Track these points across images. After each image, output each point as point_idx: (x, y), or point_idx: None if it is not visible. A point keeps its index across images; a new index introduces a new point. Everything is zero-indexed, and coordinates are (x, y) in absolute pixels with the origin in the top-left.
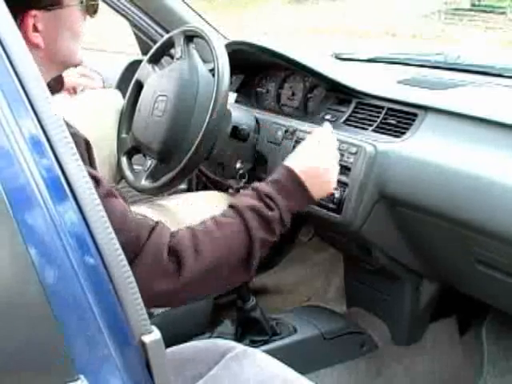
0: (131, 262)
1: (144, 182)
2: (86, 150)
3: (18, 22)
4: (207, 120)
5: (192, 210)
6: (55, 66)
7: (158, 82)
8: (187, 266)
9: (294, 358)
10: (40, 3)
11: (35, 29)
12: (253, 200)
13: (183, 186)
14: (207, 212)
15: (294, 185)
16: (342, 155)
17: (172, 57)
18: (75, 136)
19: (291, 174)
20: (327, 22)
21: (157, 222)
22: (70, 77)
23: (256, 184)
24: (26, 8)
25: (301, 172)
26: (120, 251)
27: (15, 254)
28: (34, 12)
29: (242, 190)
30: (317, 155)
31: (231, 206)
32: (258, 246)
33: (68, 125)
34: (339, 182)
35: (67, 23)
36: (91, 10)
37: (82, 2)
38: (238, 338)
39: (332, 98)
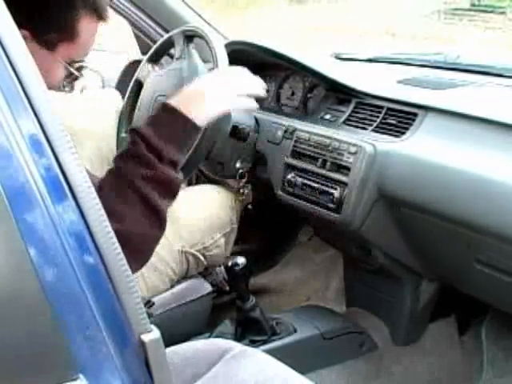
0: None
1: None
2: None
3: None
4: None
5: (188, 207)
6: None
7: (157, 82)
8: None
9: (294, 357)
10: (39, 33)
11: None
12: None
13: (183, 186)
14: (203, 207)
15: (164, 112)
16: (341, 155)
17: (172, 57)
18: None
19: (162, 105)
20: (328, 22)
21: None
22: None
23: (136, 138)
24: (23, 26)
25: (174, 99)
26: (119, 250)
27: (14, 253)
28: (25, 33)
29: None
30: (200, 84)
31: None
32: (144, 186)
33: None
34: (339, 181)
35: (43, 68)
36: (71, 76)
37: (69, 64)
38: (238, 337)
39: (332, 97)
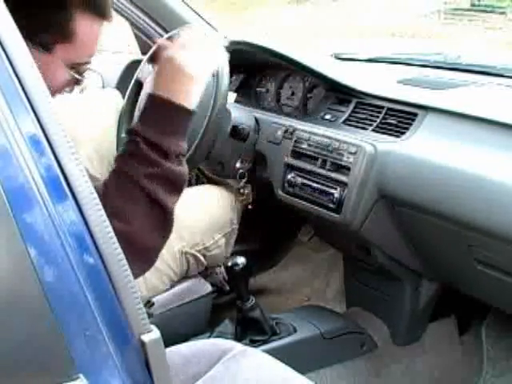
0: None
1: None
2: None
3: None
4: (207, 120)
5: (188, 207)
6: None
7: None
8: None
9: (294, 357)
10: (32, 34)
11: None
12: (121, 150)
13: None
14: (203, 207)
15: (151, 104)
16: (341, 155)
17: None
18: None
19: (146, 96)
20: (327, 22)
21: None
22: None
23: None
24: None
25: (153, 86)
26: (119, 250)
27: (14, 253)
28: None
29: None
30: (162, 61)
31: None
32: (150, 184)
33: None
34: (339, 181)
35: (45, 72)
36: (76, 80)
37: (71, 68)
38: (238, 337)
39: (332, 97)
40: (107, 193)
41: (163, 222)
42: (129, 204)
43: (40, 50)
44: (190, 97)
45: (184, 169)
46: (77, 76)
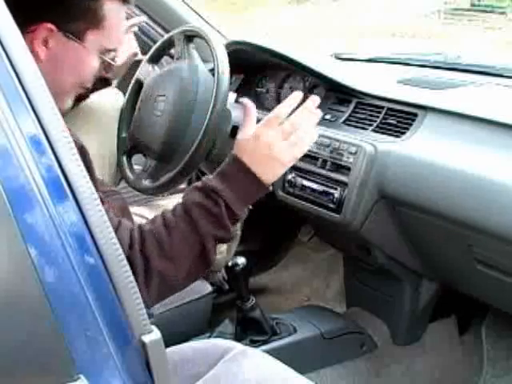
0: None
1: (144, 182)
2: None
3: (28, 27)
4: (207, 120)
5: None
6: None
7: (157, 82)
8: (139, 271)
9: (294, 357)
10: (62, 23)
11: (45, 43)
12: (200, 197)
13: (183, 186)
14: None
15: (241, 172)
16: (341, 155)
17: (172, 57)
18: None
19: (237, 162)
20: (327, 22)
21: (119, 222)
22: None
23: (204, 179)
24: (46, 18)
25: (247, 157)
26: (120, 251)
27: (15, 253)
28: (50, 26)
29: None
30: (264, 140)
31: (181, 204)
32: (211, 243)
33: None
34: (339, 181)
35: (76, 62)
36: (106, 66)
37: (102, 54)
38: (238, 337)
39: (332, 97)
40: (170, 232)
41: (203, 271)
42: (184, 249)
43: (72, 38)
44: (271, 176)
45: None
46: (109, 61)
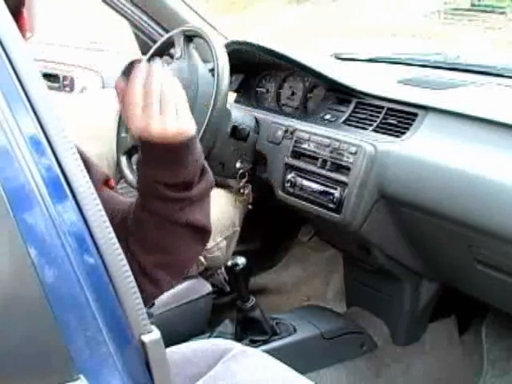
0: None
1: None
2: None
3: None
4: (207, 120)
5: None
6: None
7: None
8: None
9: (294, 357)
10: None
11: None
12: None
13: None
14: None
15: (149, 148)
16: (341, 155)
17: (172, 56)
18: None
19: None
20: (327, 22)
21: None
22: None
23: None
24: (20, 9)
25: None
26: (120, 251)
27: (15, 253)
28: (22, 9)
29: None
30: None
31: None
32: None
33: None
34: (339, 181)
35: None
36: None
37: None
38: (238, 337)
39: (332, 97)
40: (141, 226)
41: (202, 239)
42: (168, 236)
43: None
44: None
45: (206, 177)
46: None
